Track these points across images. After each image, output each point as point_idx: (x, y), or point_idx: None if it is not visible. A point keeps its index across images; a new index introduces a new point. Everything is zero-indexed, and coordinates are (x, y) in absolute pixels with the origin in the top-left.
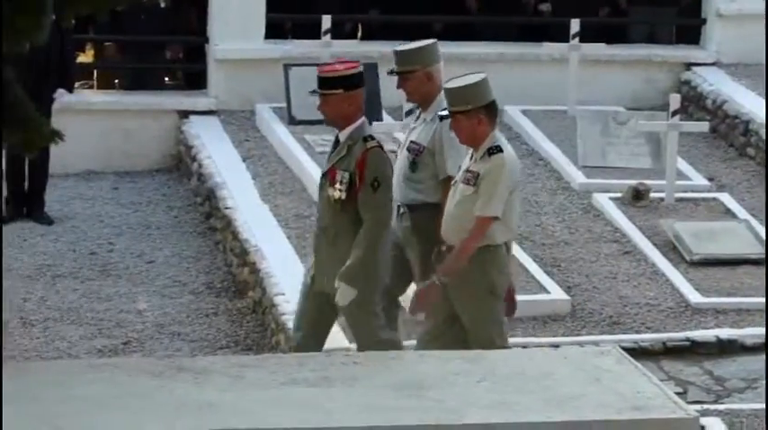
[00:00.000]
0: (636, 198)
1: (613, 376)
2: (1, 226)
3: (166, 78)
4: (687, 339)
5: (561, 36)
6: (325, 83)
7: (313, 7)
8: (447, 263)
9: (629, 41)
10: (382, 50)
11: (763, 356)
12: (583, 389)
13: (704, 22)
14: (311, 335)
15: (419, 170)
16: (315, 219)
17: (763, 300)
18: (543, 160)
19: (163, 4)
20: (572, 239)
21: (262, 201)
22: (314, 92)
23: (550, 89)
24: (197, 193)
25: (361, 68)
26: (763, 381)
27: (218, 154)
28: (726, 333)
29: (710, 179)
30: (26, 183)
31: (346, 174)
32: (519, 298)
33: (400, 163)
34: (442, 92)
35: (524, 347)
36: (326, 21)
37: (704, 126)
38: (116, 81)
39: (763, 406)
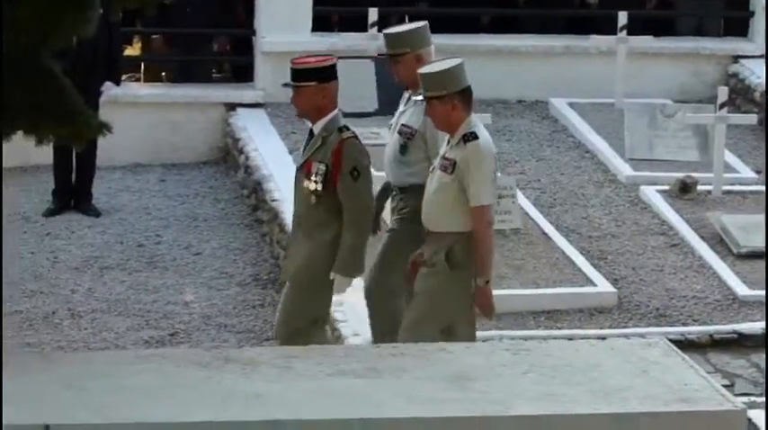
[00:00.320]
0: (683, 191)
1: (660, 368)
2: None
3: (213, 71)
4: (734, 332)
5: (609, 29)
6: (298, 75)
7: (360, 0)
8: (480, 264)
9: (676, 34)
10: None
11: None
12: (630, 381)
13: (752, 14)
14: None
15: (409, 153)
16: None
17: None
18: (590, 153)
19: None
20: (619, 232)
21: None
22: (287, 84)
23: (598, 82)
24: (244, 186)
25: (334, 61)
26: None
27: (264, 146)
28: None
29: (758, 172)
30: (73, 176)
31: (322, 166)
32: (566, 290)
33: (391, 146)
34: None
35: (570, 339)
36: (373, 13)
37: (752, 118)
38: (163, 74)
39: None
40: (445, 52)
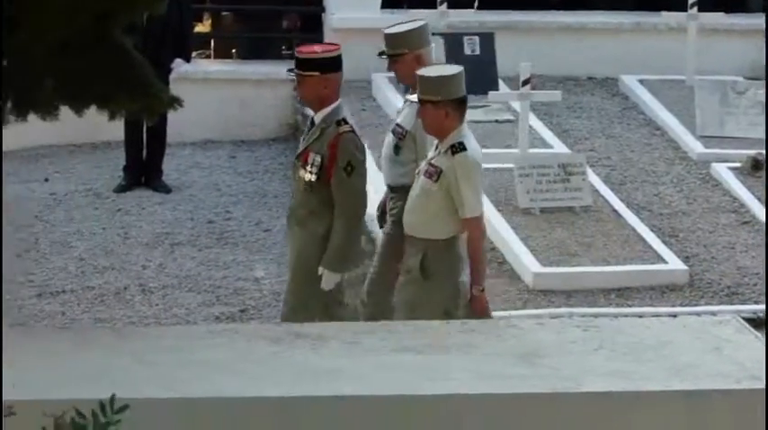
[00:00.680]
0: (755, 168)
1: (732, 345)
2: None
3: (283, 48)
4: None
5: (679, 5)
6: (303, 64)
7: None
8: (475, 273)
9: (747, 10)
10: (500, 20)
11: None
12: (701, 358)
13: None
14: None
15: (402, 153)
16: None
17: None
18: (660, 130)
19: None
20: (690, 209)
21: (377, 169)
22: (291, 70)
23: (668, 58)
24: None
25: (339, 52)
26: None
27: None
28: None
29: None
30: (144, 152)
31: (318, 157)
32: (636, 267)
33: (386, 145)
34: None
35: (640, 317)
36: None
37: None
38: (233, 50)
39: None
40: (516, 29)
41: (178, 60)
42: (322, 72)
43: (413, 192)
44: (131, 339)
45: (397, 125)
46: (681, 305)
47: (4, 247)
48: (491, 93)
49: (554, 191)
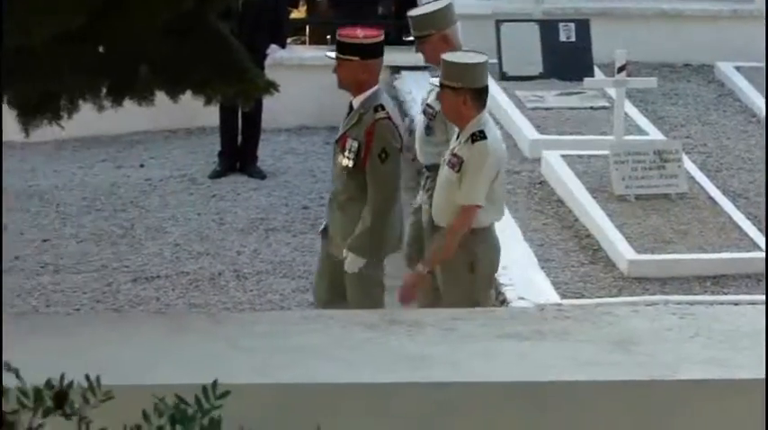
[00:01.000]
0: None
1: None
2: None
3: None
4: None
5: None
6: (343, 48)
7: None
8: (434, 252)
9: None
10: (595, 6)
11: None
12: None
13: None
14: (328, 298)
15: (434, 134)
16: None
17: None
18: (756, 117)
19: None
20: None
21: None
22: (331, 55)
23: (764, 45)
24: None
25: (380, 38)
26: None
27: None
28: None
29: None
30: (239, 138)
31: (355, 143)
32: (732, 255)
33: (419, 125)
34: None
35: (736, 305)
36: None
37: None
38: (328, 37)
39: None
40: (611, 16)
41: (273, 46)
42: (362, 57)
43: (438, 182)
44: (226, 325)
45: (428, 105)
46: None
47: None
48: (586, 79)
49: (649, 178)
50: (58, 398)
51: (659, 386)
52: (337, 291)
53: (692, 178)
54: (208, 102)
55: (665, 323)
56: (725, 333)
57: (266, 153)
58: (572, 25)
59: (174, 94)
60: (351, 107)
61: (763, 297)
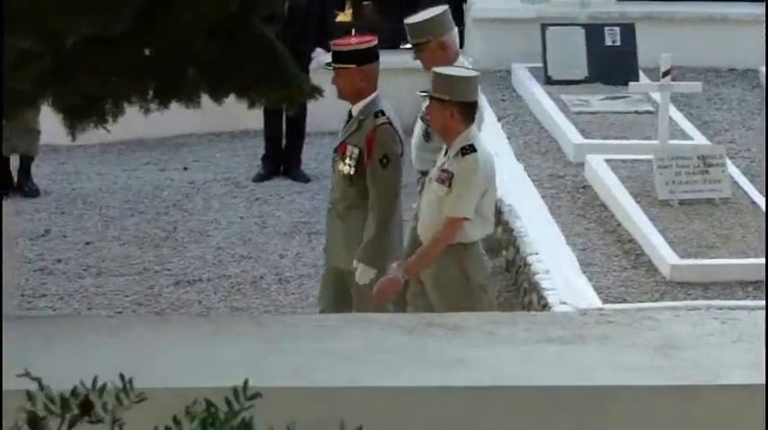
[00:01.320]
0: None
1: None
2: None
3: None
4: None
5: None
6: (339, 57)
7: None
8: (413, 261)
9: None
10: (641, 10)
11: None
12: None
13: None
14: (335, 310)
15: (432, 140)
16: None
17: None
18: None
19: None
20: None
21: (516, 160)
22: (328, 65)
23: None
24: None
25: (374, 43)
26: None
27: None
28: None
29: None
30: (283, 142)
31: (356, 150)
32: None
33: (417, 132)
34: (459, 59)
35: None
36: None
37: None
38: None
39: None
40: (657, 20)
41: (319, 50)
42: (358, 64)
43: (424, 200)
44: (267, 328)
45: (426, 113)
46: None
47: (143, 239)
48: (631, 84)
49: (693, 182)
50: (84, 406)
51: (701, 391)
52: (343, 301)
53: (735, 183)
54: (251, 105)
55: (707, 328)
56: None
57: (310, 156)
58: (617, 29)
59: (218, 96)
60: (350, 115)
61: None
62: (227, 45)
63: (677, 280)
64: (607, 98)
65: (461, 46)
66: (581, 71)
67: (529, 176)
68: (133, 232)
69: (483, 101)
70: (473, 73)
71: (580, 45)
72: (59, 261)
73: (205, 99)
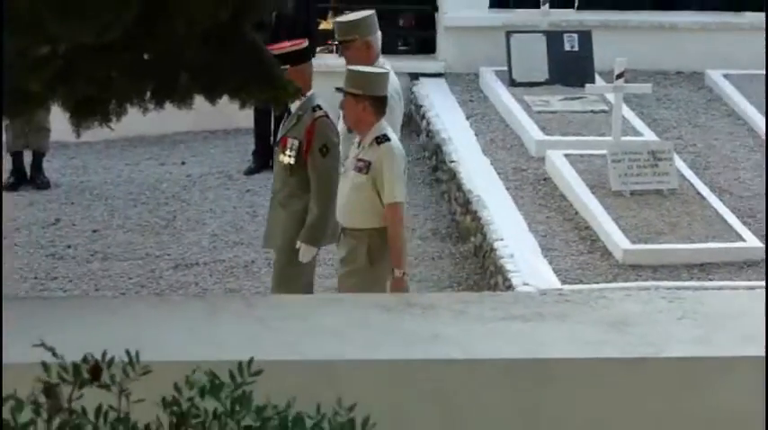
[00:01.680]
0: None
1: None
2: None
3: (399, 44)
4: None
5: (760, 6)
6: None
7: None
8: (395, 259)
9: None
10: (597, 19)
11: None
12: None
13: None
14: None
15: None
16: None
17: None
18: (742, 120)
19: None
20: None
21: (483, 154)
22: None
23: (750, 55)
24: (425, 148)
25: (305, 45)
26: None
27: (444, 112)
28: None
29: None
30: (272, 138)
31: (296, 142)
32: (717, 245)
33: (341, 125)
34: (380, 59)
35: (720, 290)
36: None
37: None
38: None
39: None
40: (612, 28)
41: None
42: (292, 64)
43: (343, 189)
44: (258, 307)
45: None
46: (757, 279)
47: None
48: (588, 85)
49: (644, 175)
50: (94, 371)
51: (648, 362)
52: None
53: (682, 175)
54: (242, 106)
55: (655, 306)
56: (709, 315)
57: None
58: (575, 36)
59: (212, 98)
60: (288, 111)
61: (746, 283)
62: (219, 51)
63: (629, 263)
64: (566, 99)
65: (433, 51)
66: (542, 74)
67: (495, 170)
68: (136, 221)
69: (453, 101)
70: (383, 70)
71: (541, 50)
72: (69, 247)
73: (200, 99)
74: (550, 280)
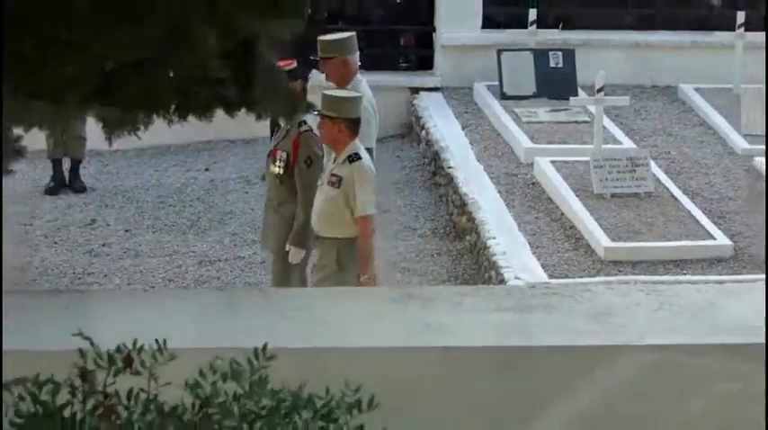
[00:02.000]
0: None
1: None
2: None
3: (401, 61)
4: None
5: (729, 26)
6: None
7: (522, 1)
8: (362, 264)
9: None
10: (580, 38)
11: None
12: (742, 318)
13: None
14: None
15: None
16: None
17: None
18: (712, 129)
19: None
20: (735, 195)
21: (477, 161)
22: None
23: (719, 71)
24: (425, 155)
25: (294, 64)
26: None
27: (441, 123)
28: None
29: None
30: None
31: (284, 154)
32: (690, 242)
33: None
34: (357, 77)
35: (694, 283)
36: (532, 13)
37: None
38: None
39: None
40: (593, 46)
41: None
42: None
43: (318, 201)
44: (274, 299)
45: None
46: (726, 274)
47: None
48: (572, 98)
49: (623, 179)
50: (127, 360)
51: (627, 349)
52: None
53: (657, 180)
54: (258, 118)
55: (634, 298)
56: (683, 306)
57: None
58: (560, 54)
59: (231, 111)
60: (278, 126)
61: (715, 277)
62: (237, 68)
63: (610, 259)
64: (552, 110)
65: (431, 67)
66: (530, 88)
67: (488, 175)
68: (164, 221)
69: (450, 113)
70: (356, 94)
71: (529, 67)
72: (104, 245)
73: (220, 112)
74: (539, 274)
